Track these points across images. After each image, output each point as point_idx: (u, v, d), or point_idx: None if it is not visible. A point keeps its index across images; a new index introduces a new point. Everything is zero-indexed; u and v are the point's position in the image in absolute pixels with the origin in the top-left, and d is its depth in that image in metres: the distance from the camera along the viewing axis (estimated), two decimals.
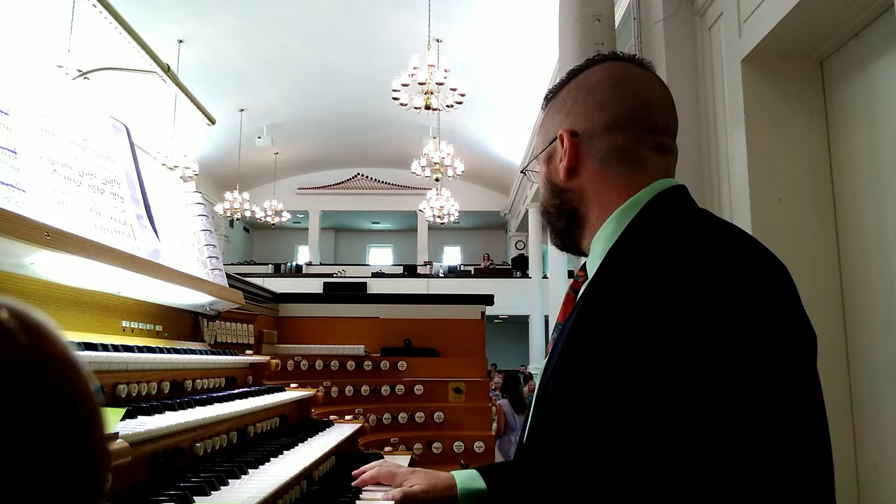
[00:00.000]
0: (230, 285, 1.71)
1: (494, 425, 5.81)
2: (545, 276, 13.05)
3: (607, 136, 0.93)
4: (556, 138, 0.97)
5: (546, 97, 1.05)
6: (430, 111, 7.97)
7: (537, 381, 0.97)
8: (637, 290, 0.77)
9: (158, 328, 1.37)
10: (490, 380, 9.19)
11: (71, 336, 1.00)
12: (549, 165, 1.00)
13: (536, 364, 12.43)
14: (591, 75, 0.98)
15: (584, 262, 0.99)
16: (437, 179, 11.04)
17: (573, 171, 0.96)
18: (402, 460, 1.55)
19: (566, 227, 1.00)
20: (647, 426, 0.71)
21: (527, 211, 14.67)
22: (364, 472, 1.16)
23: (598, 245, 0.93)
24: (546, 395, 0.87)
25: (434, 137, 11.30)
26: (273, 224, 16.49)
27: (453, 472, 1.07)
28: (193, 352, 1.36)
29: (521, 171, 1.05)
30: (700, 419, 0.69)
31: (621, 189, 0.92)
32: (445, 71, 7.73)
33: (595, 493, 0.74)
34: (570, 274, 12.39)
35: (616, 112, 0.93)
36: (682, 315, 0.72)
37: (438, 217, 13.32)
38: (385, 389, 2.46)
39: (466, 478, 1.05)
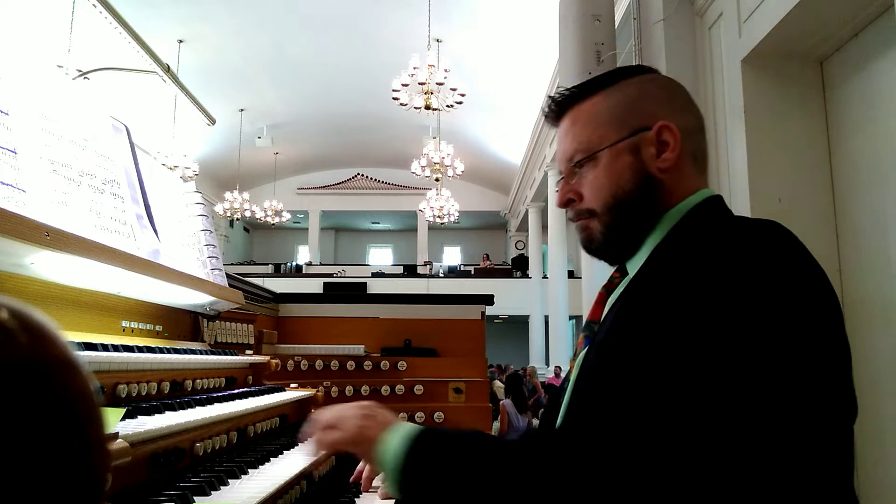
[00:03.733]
0: (230, 285, 1.71)
1: (497, 424, 5.84)
2: (545, 276, 13.05)
3: (698, 137, 0.95)
4: (644, 128, 0.93)
5: (587, 85, 0.99)
6: (430, 111, 7.97)
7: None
8: (686, 288, 0.78)
9: (158, 328, 1.37)
10: (494, 378, 9.22)
11: (71, 336, 1.00)
12: (640, 155, 0.93)
13: (537, 363, 12.42)
14: (657, 79, 0.98)
15: (622, 265, 0.99)
16: (437, 179, 11.05)
17: (673, 164, 0.92)
18: None
19: (633, 226, 0.94)
20: (696, 407, 0.72)
21: (527, 211, 14.67)
22: (362, 472, 1.16)
23: (647, 245, 0.93)
24: (590, 378, 0.87)
25: (434, 137, 11.30)
26: (273, 224, 16.50)
27: None
28: (193, 352, 1.36)
29: (578, 163, 0.95)
30: (739, 400, 0.71)
31: (688, 192, 0.93)
32: (445, 71, 7.73)
33: (648, 458, 0.74)
34: (571, 274, 12.47)
35: (698, 116, 0.96)
36: (726, 311, 0.74)
37: (438, 217, 13.32)
38: (385, 389, 2.46)
39: None
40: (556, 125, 1.02)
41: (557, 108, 1.01)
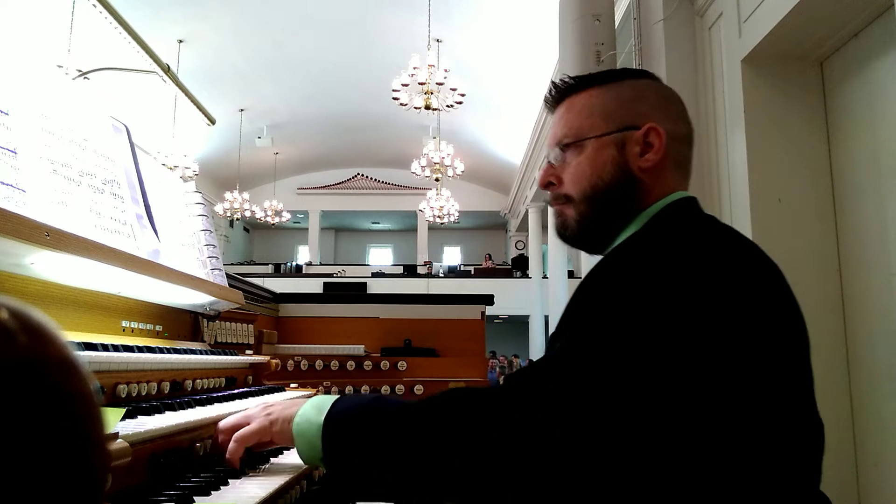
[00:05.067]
0: (230, 285, 1.71)
1: None
2: (545, 276, 13.05)
3: (684, 145, 1.01)
4: (632, 127, 0.96)
5: (585, 79, 1.02)
6: (430, 111, 7.97)
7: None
8: (644, 263, 0.82)
9: (158, 328, 1.37)
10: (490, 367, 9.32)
11: (71, 336, 1.00)
12: (625, 150, 0.96)
13: None
14: (658, 85, 1.02)
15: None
16: (437, 179, 11.05)
17: (655, 165, 0.96)
18: None
19: (608, 218, 0.98)
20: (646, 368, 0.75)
21: (527, 211, 14.67)
22: None
23: (621, 239, 0.97)
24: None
25: (434, 137, 11.30)
26: (273, 224, 16.50)
27: None
28: (193, 352, 1.36)
29: (563, 146, 0.99)
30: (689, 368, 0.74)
31: (663, 191, 0.98)
32: (445, 71, 7.73)
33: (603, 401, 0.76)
34: (571, 274, 12.47)
35: (689, 128, 1.02)
36: (684, 288, 0.77)
37: (438, 217, 13.32)
38: (385, 389, 2.46)
39: None
40: (553, 111, 1.06)
41: (557, 94, 1.04)
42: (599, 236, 1.00)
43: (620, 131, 0.97)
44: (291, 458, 1.17)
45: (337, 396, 0.93)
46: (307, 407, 0.92)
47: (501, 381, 0.83)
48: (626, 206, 0.97)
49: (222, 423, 1.01)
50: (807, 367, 0.84)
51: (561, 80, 1.05)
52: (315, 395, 1.80)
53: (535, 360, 0.90)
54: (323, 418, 0.88)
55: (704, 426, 0.74)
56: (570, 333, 0.81)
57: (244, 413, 1.01)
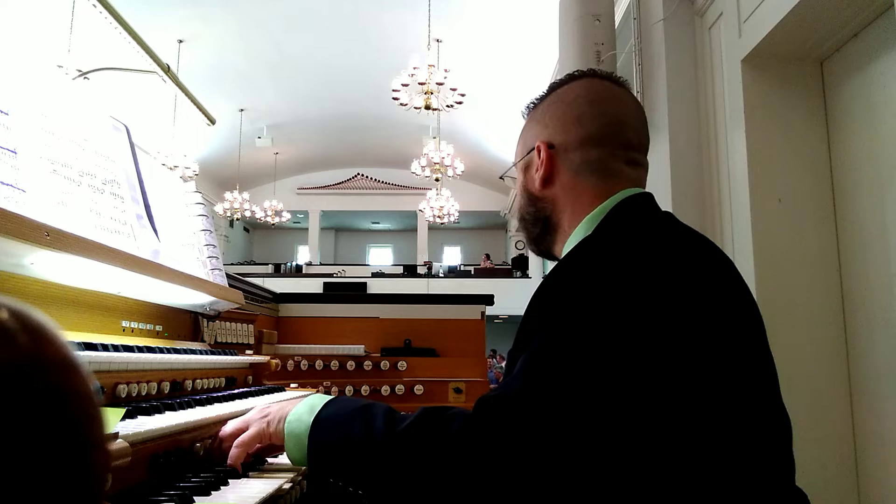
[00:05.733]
0: (230, 285, 1.71)
1: None
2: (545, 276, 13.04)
3: (582, 150, 1.00)
4: (533, 149, 1.03)
5: (527, 107, 1.10)
6: (430, 111, 7.97)
7: None
8: (591, 262, 0.84)
9: (158, 328, 1.37)
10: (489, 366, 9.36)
11: (71, 336, 1.00)
12: (526, 174, 1.06)
13: None
14: (569, 91, 1.03)
15: None
16: (437, 179, 11.04)
17: (548, 180, 1.01)
18: None
19: (541, 234, 1.06)
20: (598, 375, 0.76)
21: None
22: None
23: (569, 248, 0.98)
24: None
25: (434, 137, 11.30)
26: (273, 224, 16.50)
27: None
28: (193, 352, 1.36)
29: (500, 178, 1.12)
30: (638, 370, 0.75)
31: (593, 197, 0.98)
32: (445, 71, 7.73)
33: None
34: None
35: (591, 128, 1.00)
36: (632, 290, 0.78)
37: (438, 217, 13.32)
38: (385, 389, 2.46)
39: None
40: None
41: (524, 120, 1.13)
42: (545, 252, 1.08)
43: (525, 156, 1.06)
44: None
45: (331, 398, 0.95)
46: (301, 406, 0.95)
47: (474, 405, 0.83)
48: (545, 224, 1.04)
49: (223, 431, 1.03)
50: (764, 361, 0.85)
51: (526, 105, 1.12)
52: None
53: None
54: (312, 419, 0.91)
55: (664, 431, 0.74)
56: (528, 351, 0.82)
57: (243, 418, 1.02)
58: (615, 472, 0.74)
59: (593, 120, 1.00)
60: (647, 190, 1.00)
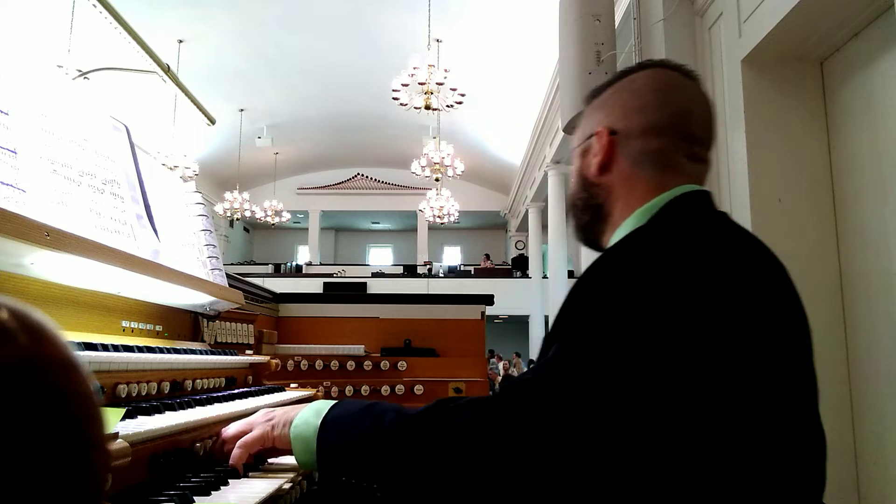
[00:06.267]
0: (230, 285, 1.71)
1: None
2: (545, 276, 13.05)
3: (644, 139, 0.96)
4: (592, 134, 1.00)
5: (590, 94, 1.06)
6: (430, 111, 7.97)
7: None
8: (638, 258, 0.81)
9: (158, 328, 1.37)
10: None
11: (71, 336, 1.00)
12: (583, 160, 1.02)
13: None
14: (636, 79, 1.00)
15: None
16: (437, 179, 11.04)
17: (605, 167, 0.98)
18: None
19: (590, 222, 1.02)
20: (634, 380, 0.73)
21: (527, 211, 14.67)
22: None
23: (617, 239, 0.95)
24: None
25: (434, 137, 11.29)
26: (273, 224, 16.50)
27: None
28: (193, 352, 1.36)
29: (555, 162, 1.08)
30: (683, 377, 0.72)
31: (648, 190, 0.95)
32: (445, 71, 7.73)
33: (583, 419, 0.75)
34: (571, 274, 12.46)
35: (656, 117, 0.96)
36: (679, 289, 0.76)
37: (438, 217, 13.32)
38: (385, 389, 2.46)
39: None
40: None
41: (585, 107, 1.09)
42: (592, 241, 1.05)
43: (585, 141, 1.02)
44: (291, 458, 1.17)
45: (336, 401, 0.94)
46: (307, 410, 0.94)
47: (498, 390, 0.82)
48: (596, 212, 1.01)
49: (225, 432, 1.03)
50: (809, 375, 0.82)
51: (590, 91, 1.09)
52: (315, 395, 1.80)
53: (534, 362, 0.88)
54: (319, 422, 0.90)
55: (700, 435, 0.72)
56: (563, 338, 0.80)
57: (247, 420, 1.02)
58: (628, 476, 0.72)
59: (658, 109, 0.97)
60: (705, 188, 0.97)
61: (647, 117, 0.96)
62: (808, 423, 0.80)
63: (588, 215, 1.02)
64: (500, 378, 10.29)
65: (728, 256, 0.81)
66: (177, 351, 1.26)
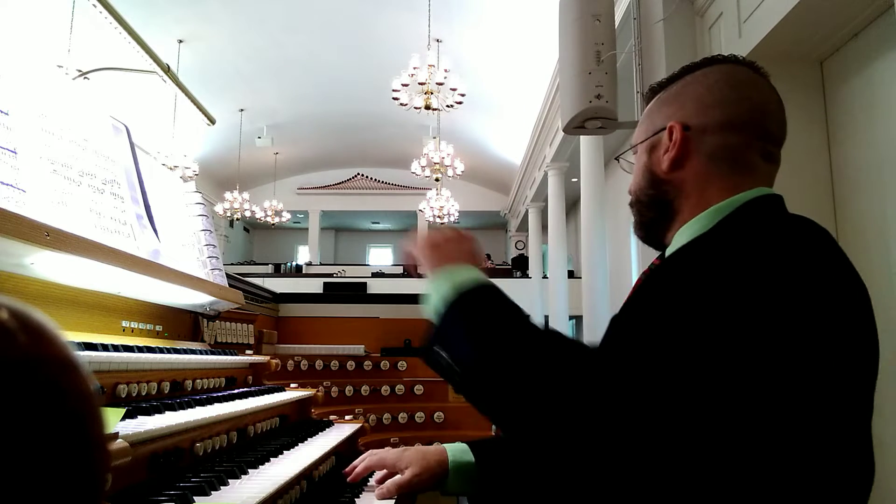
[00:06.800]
0: (230, 285, 1.71)
1: None
2: (545, 276, 13.04)
3: (720, 135, 0.94)
4: (662, 129, 0.96)
5: (652, 88, 1.04)
6: (430, 111, 7.96)
7: None
8: (716, 267, 0.77)
9: (158, 328, 1.37)
10: None
11: (71, 336, 1.00)
12: (652, 155, 0.99)
13: None
14: (709, 73, 0.97)
15: (662, 252, 1.00)
16: (437, 179, 11.04)
17: (678, 163, 0.95)
18: None
19: (656, 218, 0.99)
20: (702, 387, 0.71)
21: (527, 211, 14.66)
22: (356, 468, 1.16)
23: (683, 237, 0.93)
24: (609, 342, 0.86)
25: (434, 137, 11.29)
26: (273, 224, 16.49)
27: (445, 446, 1.08)
28: (193, 352, 1.36)
29: (616, 158, 1.05)
30: (734, 393, 0.70)
31: (722, 189, 0.92)
32: (445, 71, 7.72)
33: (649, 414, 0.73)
34: (571, 274, 12.45)
35: (733, 113, 0.94)
36: (756, 298, 0.72)
37: (438, 217, 13.32)
38: (385, 389, 2.46)
39: (458, 451, 1.06)
40: None
41: (645, 101, 1.06)
42: (653, 237, 1.02)
43: (654, 135, 0.99)
44: (291, 458, 1.17)
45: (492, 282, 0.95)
46: (467, 272, 0.97)
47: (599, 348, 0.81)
48: (663, 210, 0.97)
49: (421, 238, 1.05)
50: (869, 403, 0.79)
51: (649, 87, 1.06)
52: (315, 395, 1.80)
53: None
54: (479, 279, 0.93)
55: (752, 447, 0.71)
56: (632, 331, 0.79)
57: (438, 238, 1.06)
58: (667, 477, 0.72)
59: (735, 104, 0.94)
60: (775, 191, 0.95)
61: (723, 113, 0.94)
62: (859, 454, 0.79)
63: (654, 212, 0.99)
64: None
65: (807, 270, 0.77)
66: (177, 351, 1.26)
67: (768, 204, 0.91)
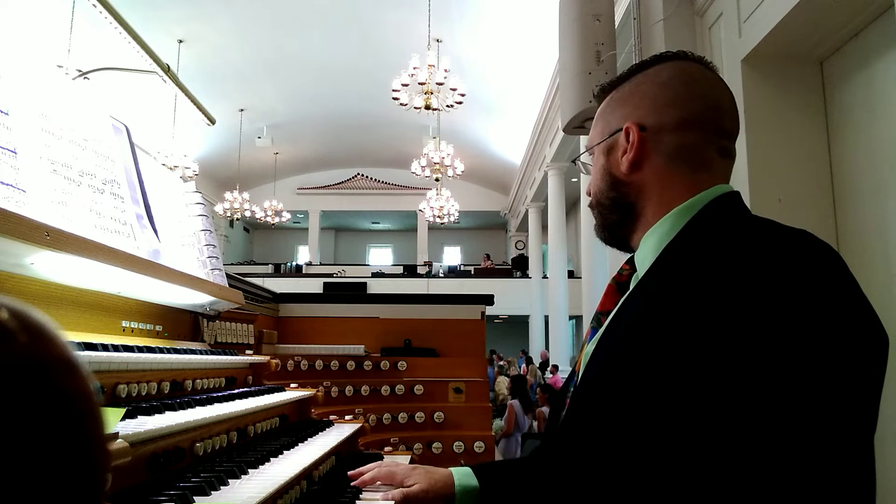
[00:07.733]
0: (230, 285, 1.71)
1: (500, 422, 6.07)
2: (545, 276, 13.05)
3: (677, 134, 0.92)
4: (619, 130, 0.95)
5: (603, 87, 1.03)
6: (430, 111, 7.97)
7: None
8: (705, 289, 0.76)
9: (158, 328, 1.37)
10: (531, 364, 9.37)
11: (71, 336, 1.00)
12: (610, 157, 0.98)
13: (535, 363, 12.41)
14: (661, 71, 0.96)
15: (631, 256, 0.99)
16: (437, 179, 11.05)
17: (637, 164, 0.94)
18: (403, 460, 1.55)
19: (618, 221, 0.98)
20: (711, 417, 0.71)
21: (527, 211, 14.68)
22: (363, 473, 1.16)
23: (652, 241, 0.92)
24: (598, 384, 0.86)
25: (434, 137, 11.30)
26: (273, 224, 16.50)
27: (451, 469, 1.08)
28: (193, 352, 1.36)
29: (573, 161, 1.04)
30: (760, 414, 0.69)
31: (684, 188, 0.92)
32: (445, 71, 7.73)
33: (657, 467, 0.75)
34: (571, 274, 12.47)
35: (688, 111, 0.93)
36: (748, 314, 0.72)
37: (438, 217, 13.32)
38: (385, 389, 2.46)
39: (463, 475, 1.06)
40: None
41: (597, 101, 1.05)
42: (617, 240, 1.01)
43: (609, 137, 0.98)
44: (291, 458, 1.17)
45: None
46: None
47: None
48: (626, 212, 0.96)
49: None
50: (873, 416, 0.76)
51: (598, 86, 1.05)
52: (315, 395, 1.80)
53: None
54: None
55: (759, 473, 0.70)
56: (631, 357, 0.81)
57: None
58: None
59: (691, 102, 0.93)
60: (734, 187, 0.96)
61: (679, 111, 0.93)
62: (863, 470, 0.76)
63: (617, 215, 0.98)
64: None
65: (802, 291, 0.74)
66: (177, 351, 1.26)
67: (730, 203, 0.91)
